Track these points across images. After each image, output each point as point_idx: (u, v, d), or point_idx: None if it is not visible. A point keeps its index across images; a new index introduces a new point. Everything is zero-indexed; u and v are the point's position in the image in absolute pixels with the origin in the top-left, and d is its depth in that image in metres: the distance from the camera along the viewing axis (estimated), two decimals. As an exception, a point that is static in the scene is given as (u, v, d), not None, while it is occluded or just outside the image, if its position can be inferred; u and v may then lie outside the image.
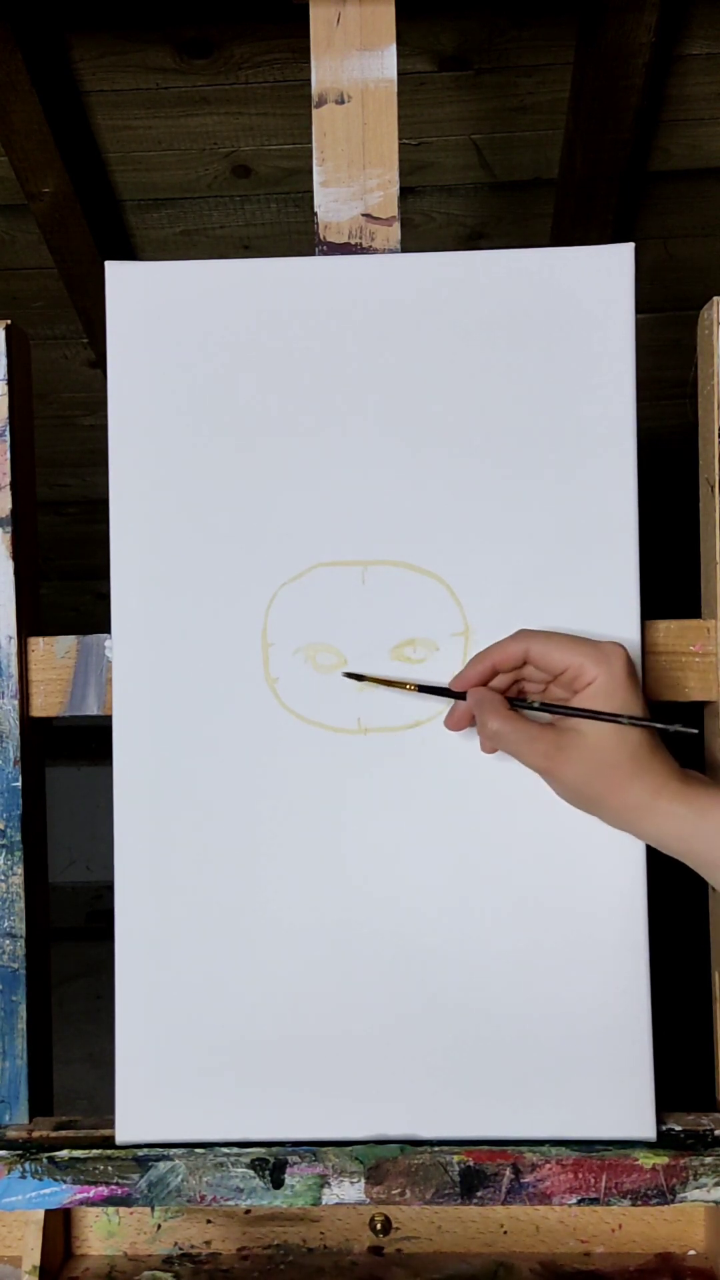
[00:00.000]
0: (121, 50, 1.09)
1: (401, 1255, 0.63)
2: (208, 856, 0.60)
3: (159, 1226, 0.64)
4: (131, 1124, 0.59)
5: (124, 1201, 0.58)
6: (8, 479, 0.62)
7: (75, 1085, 1.90)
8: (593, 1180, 0.57)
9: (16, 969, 0.62)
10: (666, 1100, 0.60)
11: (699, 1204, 0.60)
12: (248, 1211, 0.64)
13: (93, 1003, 2.19)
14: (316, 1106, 0.59)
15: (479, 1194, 0.58)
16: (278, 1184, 0.58)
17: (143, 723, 0.61)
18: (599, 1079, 0.59)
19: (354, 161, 0.63)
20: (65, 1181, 0.59)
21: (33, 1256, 0.60)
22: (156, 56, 1.09)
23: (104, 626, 0.62)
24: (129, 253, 1.35)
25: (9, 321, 0.62)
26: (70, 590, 2.25)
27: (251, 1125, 0.59)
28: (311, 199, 0.63)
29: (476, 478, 0.60)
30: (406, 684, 0.59)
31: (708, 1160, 0.57)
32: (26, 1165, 0.59)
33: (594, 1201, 0.57)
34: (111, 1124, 0.60)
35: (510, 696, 0.56)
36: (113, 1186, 0.58)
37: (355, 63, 0.62)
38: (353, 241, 0.63)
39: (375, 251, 0.63)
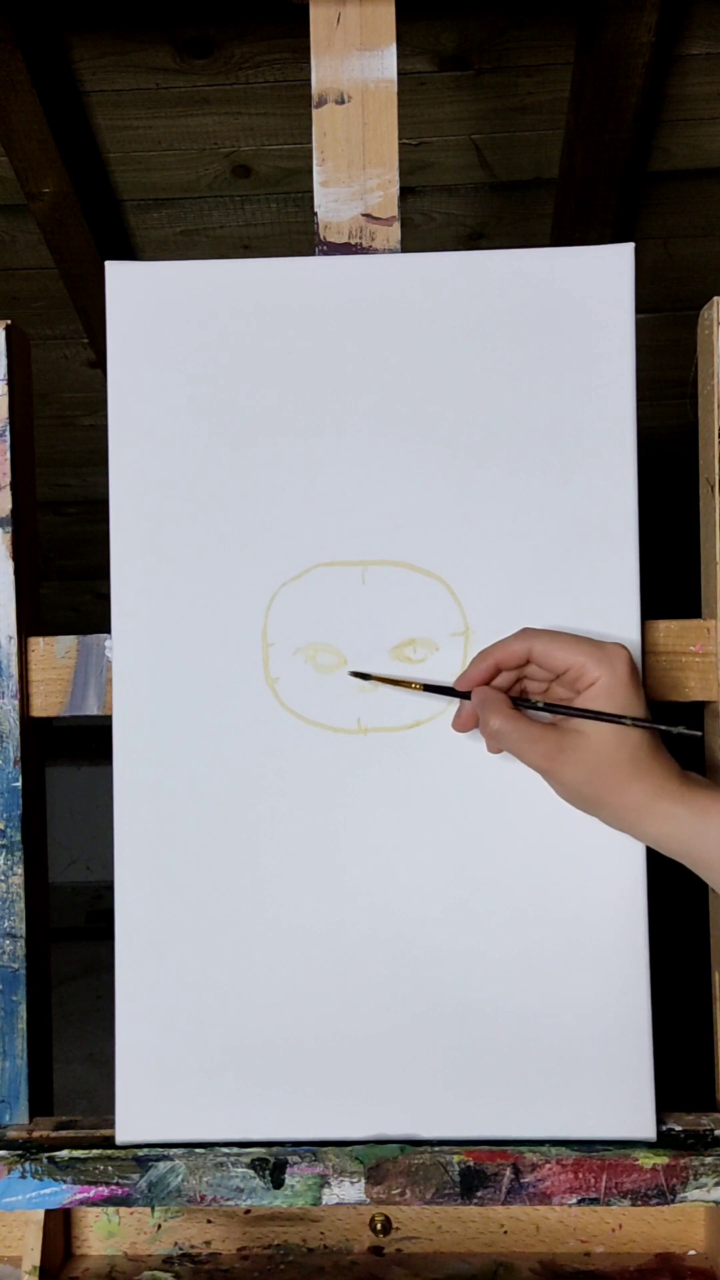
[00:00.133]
0: (121, 50, 1.09)
1: (401, 1255, 0.63)
2: (208, 856, 0.60)
3: (159, 1226, 0.64)
4: (131, 1124, 0.60)
5: (124, 1201, 0.58)
6: (8, 479, 0.62)
7: (75, 1085, 1.90)
8: (593, 1180, 0.57)
9: (16, 969, 0.62)
10: (666, 1100, 0.60)
11: (699, 1204, 0.60)
12: (248, 1211, 0.64)
13: (93, 1003, 2.19)
14: (316, 1106, 0.59)
15: (479, 1194, 0.58)
16: (278, 1184, 0.58)
17: (143, 723, 0.61)
18: (599, 1079, 0.59)
19: (354, 161, 0.63)
20: (65, 1181, 0.59)
21: (33, 1256, 0.60)
22: (156, 56, 1.09)
23: (104, 626, 0.62)
24: (129, 253, 1.36)
25: (9, 321, 0.62)
26: (70, 590, 2.25)
27: (252, 1125, 0.59)
28: (311, 199, 0.63)
29: (477, 477, 0.60)
30: (412, 684, 0.59)
31: (708, 1160, 0.57)
32: (26, 1165, 0.59)
33: (594, 1201, 0.57)
34: (111, 1124, 0.60)
35: (513, 696, 0.56)
36: (113, 1186, 0.58)
37: (355, 63, 0.63)
38: (353, 241, 0.63)
39: (375, 251, 0.63)
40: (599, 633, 0.58)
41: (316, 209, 0.63)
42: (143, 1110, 0.60)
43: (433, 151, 1.21)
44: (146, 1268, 0.63)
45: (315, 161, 0.63)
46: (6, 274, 1.40)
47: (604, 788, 0.53)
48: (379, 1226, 0.63)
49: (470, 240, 1.34)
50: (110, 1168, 0.58)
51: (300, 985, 0.60)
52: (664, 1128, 0.59)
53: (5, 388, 0.62)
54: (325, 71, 0.63)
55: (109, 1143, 0.60)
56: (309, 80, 0.63)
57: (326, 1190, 0.58)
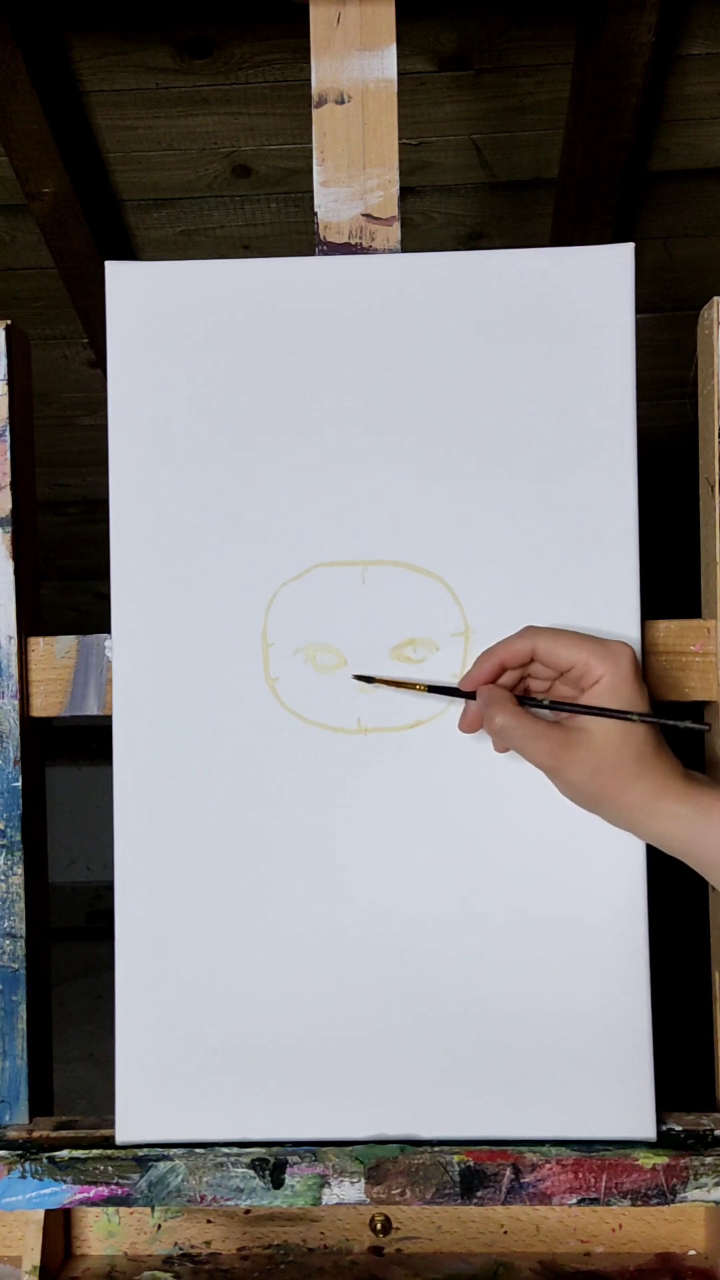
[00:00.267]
0: (121, 50, 1.09)
1: (401, 1255, 0.63)
2: (208, 856, 0.60)
3: (159, 1226, 0.64)
4: (131, 1124, 0.60)
5: (124, 1201, 0.58)
6: (8, 479, 0.62)
7: (75, 1085, 1.90)
8: (593, 1180, 0.57)
9: (16, 969, 0.62)
10: (666, 1100, 0.60)
11: (699, 1204, 0.60)
12: (248, 1211, 0.64)
13: (93, 1003, 2.19)
14: (316, 1107, 0.59)
15: (479, 1194, 0.58)
16: (278, 1184, 0.58)
17: (143, 723, 0.61)
18: (599, 1079, 0.59)
19: (354, 161, 0.63)
20: (65, 1181, 0.59)
21: (33, 1256, 0.60)
22: (156, 56, 1.09)
23: (104, 626, 0.62)
24: (129, 253, 1.35)
25: (9, 321, 0.62)
26: (70, 590, 2.25)
27: (251, 1125, 0.59)
28: (311, 199, 0.63)
29: (477, 477, 0.60)
30: (416, 685, 0.59)
31: (708, 1160, 0.57)
32: (26, 1165, 0.59)
33: (594, 1201, 0.57)
34: (111, 1124, 0.60)
35: (517, 694, 0.56)
36: (113, 1186, 0.58)
37: (355, 63, 0.63)
38: (353, 241, 0.63)
39: (375, 251, 0.63)
40: (600, 632, 0.58)
41: (316, 209, 0.63)
42: (143, 1110, 0.60)
43: (433, 151, 1.21)
44: (146, 1268, 0.63)
45: (315, 161, 0.63)
46: (6, 274, 1.40)
47: (608, 786, 0.53)
48: (379, 1226, 0.63)
49: (470, 240, 1.34)
50: (110, 1168, 0.58)
51: (300, 985, 0.60)
52: (664, 1128, 0.59)
53: (5, 388, 0.62)
54: (325, 71, 0.63)
55: (109, 1143, 0.60)
56: (309, 80, 0.63)
57: (326, 1190, 0.58)
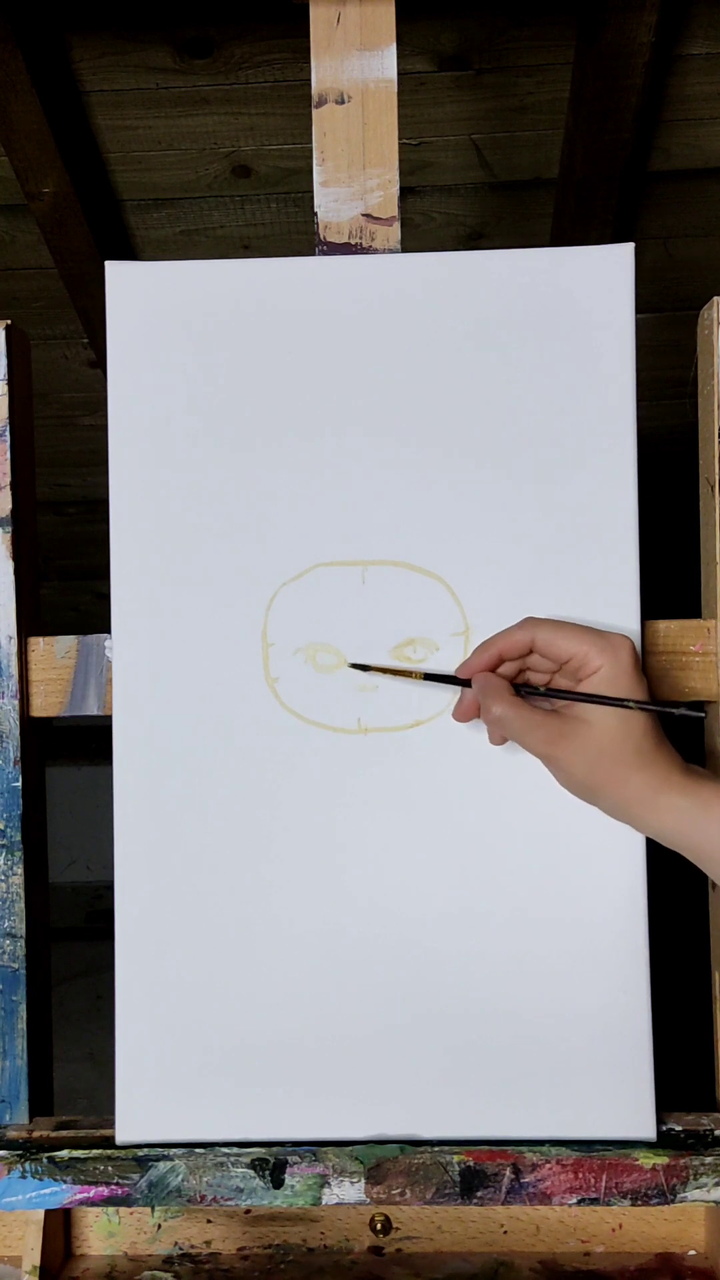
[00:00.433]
0: (121, 50, 1.09)
1: (401, 1255, 0.63)
2: (208, 856, 0.60)
3: (159, 1226, 0.64)
4: (131, 1124, 0.60)
5: (124, 1201, 0.58)
6: (8, 479, 0.62)
7: (75, 1085, 1.90)
8: (593, 1180, 0.57)
9: (16, 969, 0.62)
10: (666, 1100, 0.60)
11: (699, 1204, 0.60)
12: (248, 1211, 0.64)
13: (93, 1003, 2.19)
14: (316, 1106, 0.59)
15: (479, 1194, 0.58)
16: (278, 1184, 0.58)
17: (143, 723, 0.61)
18: (599, 1079, 0.59)
19: (354, 161, 0.63)
20: (65, 1181, 0.59)
21: (33, 1256, 0.60)
22: (156, 56, 1.09)
23: (104, 626, 0.62)
24: (129, 253, 1.35)
25: (9, 321, 0.62)
26: (70, 590, 2.25)
27: (251, 1125, 0.59)
28: (311, 199, 0.63)
29: (477, 477, 0.60)
30: (412, 673, 0.59)
31: (708, 1160, 0.57)
32: (26, 1165, 0.59)
33: (594, 1201, 0.57)
34: (111, 1124, 0.60)
35: (515, 684, 0.56)
36: (113, 1186, 0.58)
37: (355, 63, 0.63)
38: (353, 241, 0.63)
39: (375, 251, 0.63)
40: (599, 633, 0.58)
41: (316, 209, 0.63)
42: (143, 1110, 0.60)
43: (433, 151, 1.20)
44: (146, 1268, 0.63)
45: (315, 161, 0.63)
46: (6, 274, 1.40)
47: (606, 777, 0.52)
48: (379, 1226, 0.63)
49: (470, 240, 1.34)
50: (110, 1168, 0.58)
51: (300, 985, 0.60)
52: (664, 1128, 0.59)
53: (5, 388, 0.62)
54: (325, 71, 0.63)
55: (109, 1143, 0.60)
56: (309, 80, 0.63)
57: (326, 1190, 0.58)
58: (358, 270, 0.61)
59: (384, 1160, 0.58)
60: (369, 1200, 0.58)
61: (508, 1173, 0.58)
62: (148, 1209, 0.64)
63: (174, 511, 0.61)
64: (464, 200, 1.28)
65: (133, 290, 0.62)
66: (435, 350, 0.61)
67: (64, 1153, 0.59)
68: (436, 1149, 0.58)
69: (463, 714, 0.58)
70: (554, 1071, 0.59)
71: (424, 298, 0.61)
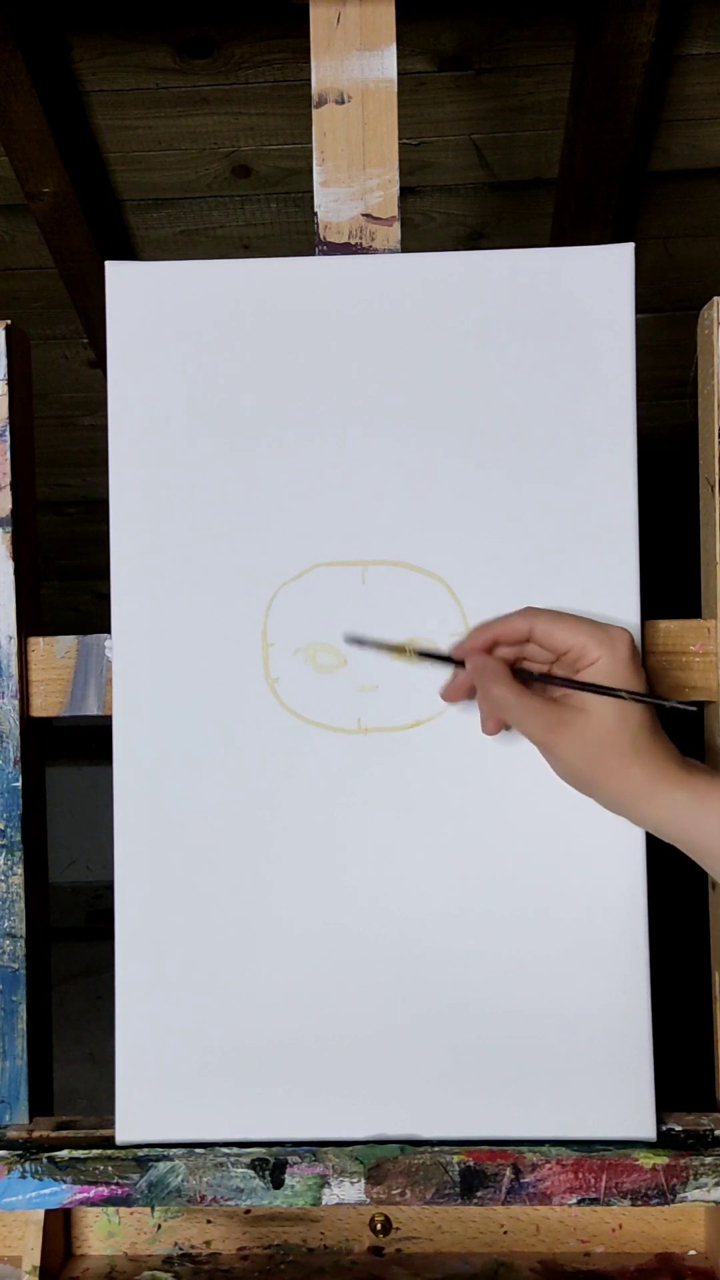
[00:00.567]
0: (121, 50, 1.09)
1: (401, 1255, 0.63)
2: (208, 856, 0.60)
3: (159, 1226, 0.64)
4: (131, 1124, 0.60)
5: (124, 1201, 0.58)
6: (8, 479, 0.62)
7: (75, 1085, 1.90)
8: (593, 1180, 0.57)
9: (16, 969, 0.62)
10: (666, 1100, 0.60)
11: (699, 1204, 0.60)
12: (248, 1211, 0.64)
13: (93, 1003, 2.19)
14: (316, 1106, 0.59)
15: (479, 1194, 0.58)
16: (278, 1184, 0.58)
17: (143, 723, 0.61)
18: (599, 1079, 0.59)
19: (354, 161, 0.63)
20: (65, 1181, 0.59)
21: (33, 1256, 0.60)
22: (156, 56, 1.09)
23: (104, 626, 0.62)
24: (129, 253, 1.35)
25: (9, 321, 0.62)
26: (70, 590, 2.25)
27: (251, 1125, 0.59)
28: (311, 199, 0.63)
29: (477, 477, 0.60)
30: (407, 650, 0.59)
31: (708, 1160, 0.57)
32: (26, 1165, 0.59)
33: (594, 1201, 0.57)
34: (111, 1124, 0.60)
35: (512, 668, 0.56)
36: (113, 1186, 0.58)
37: (355, 63, 0.63)
38: (353, 241, 0.63)
39: (375, 251, 0.63)
40: (599, 633, 0.58)
41: (316, 209, 0.63)
42: (143, 1110, 0.60)
43: (433, 151, 1.20)
44: (146, 1268, 0.63)
45: (315, 161, 0.63)
46: (6, 274, 1.40)
47: (603, 769, 0.52)
48: (379, 1226, 0.63)
49: (470, 240, 1.34)
50: (110, 1168, 0.58)
51: (300, 985, 0.60)
52: (664, 1128, 0.59)
53: (5, 388, 0.62)
54: (325, 71, 0.63)
55: (109, 1143, 0.60)
56: (309, 80, 0.63)
57: (326, 1190, 0.58)
58: (358, 270, 0.61)
59: (384, 1160, 0.58)
60: (369, 1200, 0.58)
61: (508, 1173, 0.58)
62: (147, 1209, 0.64)
63: (174, 511, 0.61)
64: (464, 200, 1.28)
65: (133, 290, 0.62)
66: (435, 350, 0.61)
67: (64, 1153, 0.59)
68: (436, 1149, 0.58)
69: (452, 694, 0.58)
70: (554, 1071, 0.59)
71: (424, 298, 0.61)
